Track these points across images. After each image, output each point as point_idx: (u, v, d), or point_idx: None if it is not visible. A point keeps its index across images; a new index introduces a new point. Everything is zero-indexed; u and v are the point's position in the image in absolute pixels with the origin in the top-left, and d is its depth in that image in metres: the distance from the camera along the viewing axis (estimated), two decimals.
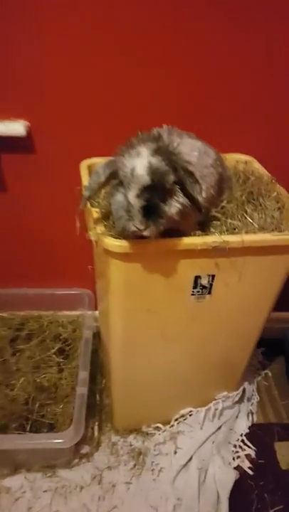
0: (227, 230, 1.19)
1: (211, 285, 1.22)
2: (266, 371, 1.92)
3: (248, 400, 1.78)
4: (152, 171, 0.97)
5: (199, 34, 1.35)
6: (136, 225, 0.98)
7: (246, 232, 1.16)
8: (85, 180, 1.32)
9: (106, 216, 1.18)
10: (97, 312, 1.84)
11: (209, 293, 1.24)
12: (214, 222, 1.22)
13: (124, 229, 1.02)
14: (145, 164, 0.97)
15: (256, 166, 1.45)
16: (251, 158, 1.48)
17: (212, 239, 1.10)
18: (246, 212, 1.23)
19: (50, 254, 1.78)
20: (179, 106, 1.46)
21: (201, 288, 1.23)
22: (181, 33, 1.35)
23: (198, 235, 1.14)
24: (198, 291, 1.23)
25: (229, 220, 1.20)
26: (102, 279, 1.30)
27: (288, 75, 1.44)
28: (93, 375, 1.79)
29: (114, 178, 1.06)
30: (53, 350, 1.73)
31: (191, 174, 1.03)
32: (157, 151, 1.00)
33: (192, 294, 1.24)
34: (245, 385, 1.75)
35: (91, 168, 1.40)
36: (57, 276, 1.84)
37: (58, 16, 1.30)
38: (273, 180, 1.34)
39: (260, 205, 1.25)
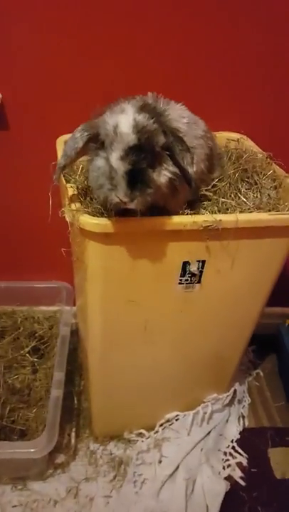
0: (219, 211, 1.06)
1: (201, 272, 1.09)
2: (257, 371, 1.80)
3: (239, 402, 1.65)
4: (139, 130, 0.83)
5: (188, 5, 1.24)
6: (119, 195, 0.83)
7: (241, 212, 1.03)
8: None
9: (83, 193, 1.04)
10: (75, 308, 1.70)
11: (199, 282, 1.11)
12: (205, 202, 1.09)
13: (106, 200, 0.88)
14: (130, 121, 0.83)
15: (249, 143, 1.33)
16: (243, 136, 1.36)
17: (203, 218, 0.97)
18: (240, 191, 1.11)
19: (24, 242, 1.64)
20: (164, 78, 1.34)
21: (190, 276, 1.09)
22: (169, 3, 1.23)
23: (187, 214, 1.00)
24: (186, 280, 1.10)
25: (222, 199, 1.07)
26: (79, 266, 1.16)
27: (279, 49, 1.34)
28: (71, 376, 1.66)
29: (94, 143, 0.92)
30: (26, 349, 1.59)
31: (181, 140, 0.90)
32: (143, 109, 0.86)
33: (180, 283, 1.10)
34: (236, 386, 1.62)
35: None
36: (33, 267, 1.70)
37: None
38: (268, 158, 1.22)
39: (256, 183, 1.13)
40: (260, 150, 1.28)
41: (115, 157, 0.83)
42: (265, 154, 1.23)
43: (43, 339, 1.64)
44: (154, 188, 0.86)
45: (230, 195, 1.10)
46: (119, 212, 0.92)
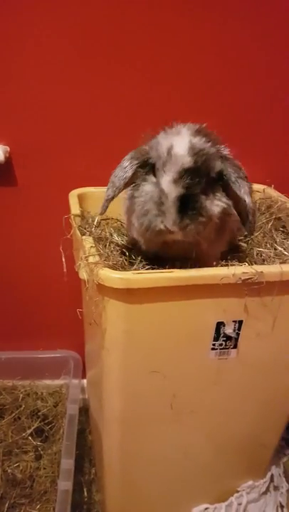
0: (255, 262, 0.93)
1: (238, 335, 0.93)
2: None
3: (276, 488, 1.40)
4: (195, 152, 0.76)
5: (209, 53, 1.22)
6: (167, 223, 0.75)
7: (281, 263, 0.90)
8: (75, 211, 1.08)
9: (102, 245, 0.92)
10: (85, 381, 1.51)
11: (235, 347, 0.95)
12: (236, 254, 0.96)
13: (149, 228, 0.78)
14: (186, 143, 0.77)
15: (274, 194, 1.23)
16: (268, 187, 1.27)
17: (242, 269, 0.83)
18: (276, 241, 0.98)
19: (29, 306, 1.50)
20: None
21: (225, 339, 0.93)
22: (186, 54, 1.21)
23: (221, 265, 0.87)
24: (220, 344, 0.94)
25: (257, 249, 0.94)
26: (94, 331, 1.00)
27: None
28: (80, 462, 1.44)
29: (142, 169, 0.85)
30: (29, 431, 1.41)
31: (238, 168, 0.81)
32: (200, 132, 0.80)
33: (213, 348, 0.94)
34: (273, 469, 1.39)
35: (82, 198, 1.16)
36: (36, 333, 1.53)
37: (38, 33, 1.15)
38: None
39: None
40: (288, 199, 1.18)
41: (167, 180, 0.74)
42: None
43: (47, 419, 1.45)
44: (207, 218, 0.76)
45: (265, 245, 0.97)
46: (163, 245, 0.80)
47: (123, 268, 0.87)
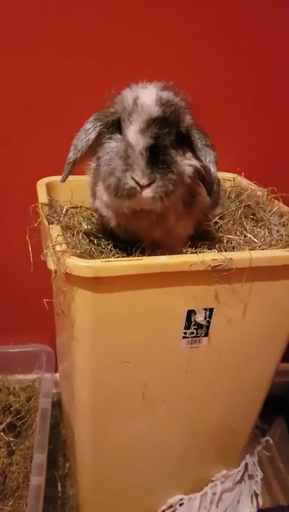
0: (225, 250, 0.92)
1: (209, 323, 0.93)
2: (266, 438, 1.58)
3: (250, 477, 1.42)
4: (163, 103, 0.73)
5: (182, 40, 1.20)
6: (135, 176, 0.69)
7: (251, 250, 0.90)
8: (43, 199, 1.05)
9: (70, 234, 0.90)
10: (57, 375, 1.49)
11: (206, 335, 0.95)
12: (207, 242, 0.96)
13: (118, 187, 0.72)
14: (153, 95, 0.73)
15: (244, 182, 1.23)
16: (238, 176, 1.27)
17: (211, 256, 0.83)
18: (245, 228, 0.98)
19: None
20: None
21: (196, 328, 0.93)
22: (156, 40, 1.19)
23: (191, 252, 0.86)
24: (191, 333, 0.93)
25: (227, 236, 0.94)
26: (63, 322, 0.99)
27: (272, 87, 1.30)
28: (53, 457, 1.43)
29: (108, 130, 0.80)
30: (0, 427, 1.38)
31: (205, 135, 0.78)
32: (168, 88, 0.77)
33: (184, 337, 0.93)
34: (247, 458, 1.40)
35: (51, 187, 1.13)
36: (6, 328, 1.49)
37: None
38: (269, 196, 1.11)
39: (262, 220, 1.01)
40: (258, 187, 1.19)
41: (134, 130, 0.70)
42: (265, 190, 1.13)
43: (20, 414, 1.43)
44: (177, 175, 0.72)
45: (235, 233, 0.97)
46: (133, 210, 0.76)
47: (92, 257, 0.85)
